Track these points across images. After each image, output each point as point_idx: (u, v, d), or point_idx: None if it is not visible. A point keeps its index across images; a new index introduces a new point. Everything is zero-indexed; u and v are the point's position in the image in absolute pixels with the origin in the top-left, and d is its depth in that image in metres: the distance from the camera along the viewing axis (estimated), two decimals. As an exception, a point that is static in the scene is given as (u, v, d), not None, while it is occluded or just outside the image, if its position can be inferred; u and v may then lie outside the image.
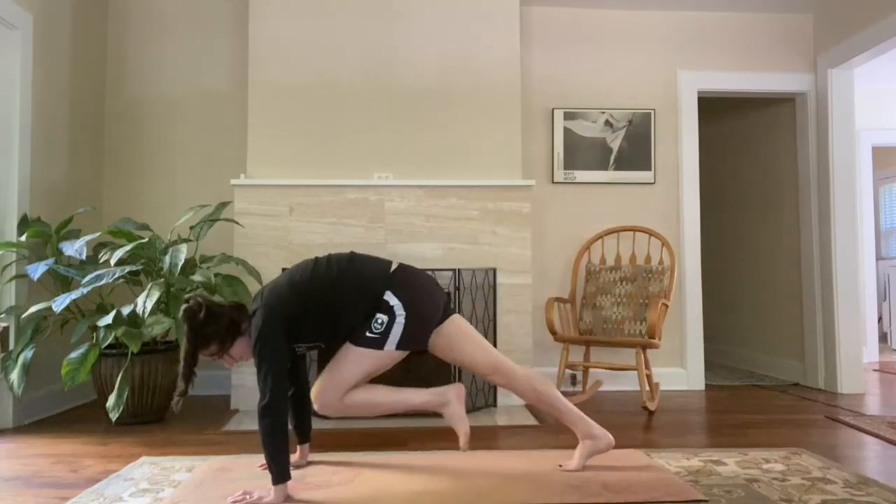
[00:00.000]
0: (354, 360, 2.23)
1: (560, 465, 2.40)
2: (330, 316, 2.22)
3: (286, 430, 2.07)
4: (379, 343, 2.21)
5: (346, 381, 2.23)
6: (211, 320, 2.18)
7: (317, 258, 2.31)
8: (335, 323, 2.23)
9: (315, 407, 2.27)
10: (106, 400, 3.11)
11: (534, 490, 2.15)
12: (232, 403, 3.55)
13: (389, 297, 2.22)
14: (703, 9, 4.33)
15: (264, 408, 2.04)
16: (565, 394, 3.80)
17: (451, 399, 2.34)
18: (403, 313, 2.21)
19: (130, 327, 3.03)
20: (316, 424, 2.97)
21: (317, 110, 3.82)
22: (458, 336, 2.36)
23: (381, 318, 2.21)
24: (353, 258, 2.31)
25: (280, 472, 2.04)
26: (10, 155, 3.23)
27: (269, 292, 2.21)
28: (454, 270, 3.57)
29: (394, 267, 2.31)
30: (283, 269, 3.54)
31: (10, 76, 3.22)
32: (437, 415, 3.27)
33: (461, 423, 2.31)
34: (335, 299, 2.21)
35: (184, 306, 2.19)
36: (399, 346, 2.23)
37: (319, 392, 2.24)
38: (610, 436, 2.40)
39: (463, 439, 2.30)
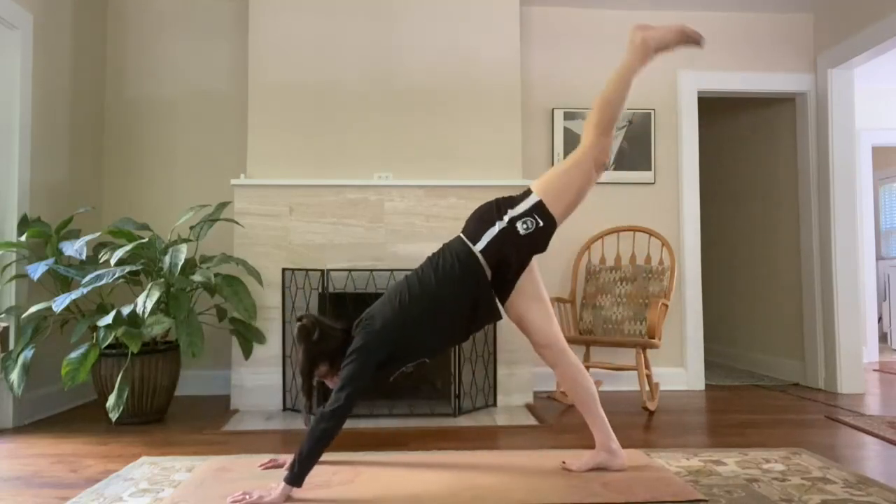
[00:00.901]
0: (561, 176, 2.34)
1: (564, 462, 2.40)
2: (437, 325, 2.24)
3: (330, 443, 2.08)
4: (543, 210, 2.27)
5: (570, 185, 2.32)
6: (324, 339, 2.21)
7: (407, 278, 2.31)
8: (444, 329, 2.26)
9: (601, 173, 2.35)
10: (106, 400, 3.11)
11: (534, 490, 2.15)
12: (232, 403, 3.55)
13: (488, 236, 2.24)
14: (704, 9, 4.33)
15: (328, 413, 2.06)
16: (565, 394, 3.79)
17: (642, 37, 2.38)
18: (511, 218, 2.26)
19: (130, 327, 3.03)
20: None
21: (317, 110, 3.82)
22: (534, 295, 2.37)
23: (523, 222, 2.24)
24: (432, 261, 2.31)
25: (299, 476, 2.04)
26: (10, 155, 3.23)
27: (373, 317, 2.23)
28: (454, 270, 3.57)
29: (464, 236, 2.30)
30: (284, 270, 3.55)
31: (10, 76, 3.22)
32: (438, 415, 3.29)
33: (673, 33, 2.36)
34: (441, 301, 2.23)
35: (298, 324, 2.23)
36: (547, 212, 2.29)
37: (594, 160, 2.32)
38: (624, 456, 2.39)
39: (692, 38, 2.34)
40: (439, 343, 2.33)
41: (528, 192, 2.33)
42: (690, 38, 2.34)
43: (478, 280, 2.25)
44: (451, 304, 2.24)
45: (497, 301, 2.35)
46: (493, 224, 2.26)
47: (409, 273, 2.35)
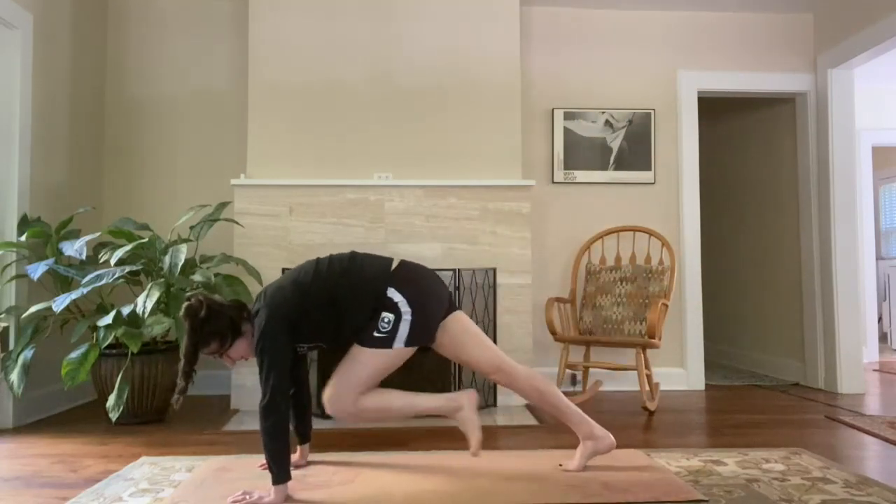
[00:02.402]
0: (364, 362, 2.21)
1: (560, 465, 2.40)
2: (333, 316, 2.22)
3: (287, 430, 2.07)
4: (387, 342, 2.20)
5: (358, 383, 2.21)
6: (212, 318, 2.19)
7: (318, 259, 2.31)
8: (338, 322, 2.23)
9: (328, 411, 2.24)
10: (106, 400, 3.11)
11: (534, 490, 2.15)
12: (232, 403, 3.55)
13: (393, 294, 2.21)
14: (703, 9, 4.33)
15: (265, 408, 2.05)
16: (566, 394, 3.79)
17: (463, 404, 2.31)
18: (409, 310, 2.20)
19: (130, 327, 3.03)
20: (316, 425, 2.96)
21: (317, 110, 3.82)
22: (461, 334, 2.36)
23: (388, 316, 2.20)
24: (353, 257, 2.32)
25: (280, 473, 2.04)
26: (10, 155, 3.23)
27: (272, 293, 2.21)
28: (454, 270, 3.58)
29: (395, 264, 2.30)
30: (284, 270, 3.55)
31: (10, 76, 3.22)
32: (437, 415, 3.29)
33: (474, 429, 2.29)
34: (338, 299, 2.21)
35: (185, 304, 2.20)
36: (408, 343, 2.21)
37: (331, 397, 2.22)
38: (611, 437, 2.40)
39: (475, 445, 2.28)
40: (333, 334, 2.27)
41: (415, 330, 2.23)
42: (475, 442, 2.28)
43: (371, 305, 2.22)
44: (348, 305, 2.21)
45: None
46: (406, 297, 2.21)
47: (321, 256, 2.35)
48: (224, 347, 2.23)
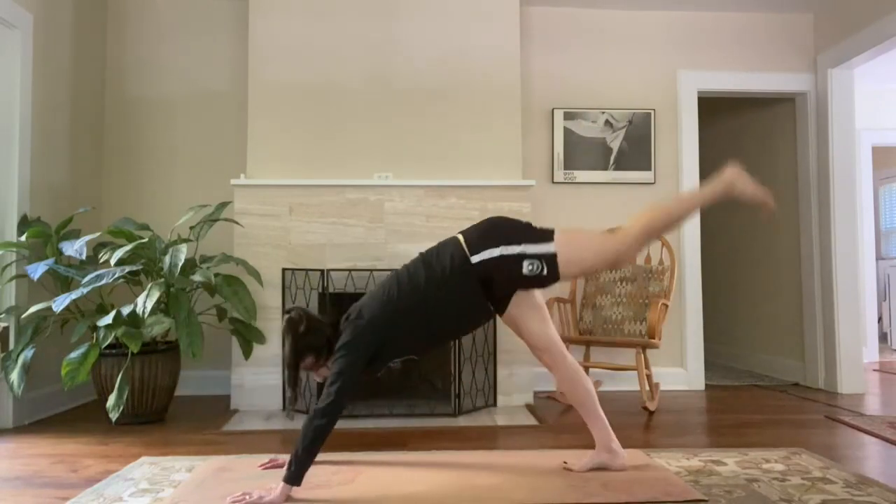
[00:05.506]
0: (585, 248, 2.28)
1: (565, 463, 2.40)
2: (426, 323, 2.25)
3: (326, 439, 2.08)
4: (554, 263, 2.21)
5: (600, 248, 2.27)
6: (311, 332, 2.23)
7: (397, 273, 2.31)
8: (432, 328, 2.26)
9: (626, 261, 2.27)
10: (106, 400, 3.11)
11: (534, 490, 2.15)
12: (232, 403, 3.55)
13: (486, 254, 2.21)
14: (703, 9, 4.33)
15: (323, 409, 2.06)
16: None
17: (733, 178, 2.27)
18: (517, 248, 2.22)
19: (130, 327, 3.03)
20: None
21: (317, 110, 3.82)
22: (529, 307, 2.36)
23: (527, 264, 2.20)
24: (425, 258, 2.31)
25: (297, 474, 2.04)
26: (10, 155, 3.23)
27: (361, 311, 2.23)
28: (454, 270, 3.57)
29: (463, 240, 2.28)
30: (283, 270, 3.55)
31: (10, 76, 3.22)
32: (438, 415, 3.29)
33: (757, 191, 2.26)
34: (432, 304, 2.23)
35: (286, 317, 2.25)
36: (553, 243, 2.24)
37: (617, 255, 2.28)
38: (626, 457, 2.39)
39: (767, 207, 2.26)
40: (426, 341, 2.32)
41: (549, 236, 2.27)
42: (765, 205, 2.28)
43: (469, 286, 2.24)
44: (440, 305, 2.24)
45: (487, 302, 2.32)
46: (497, 245, 2.23)
47: (398, 269, 2.35)
48: (319, 362, 2.26)
